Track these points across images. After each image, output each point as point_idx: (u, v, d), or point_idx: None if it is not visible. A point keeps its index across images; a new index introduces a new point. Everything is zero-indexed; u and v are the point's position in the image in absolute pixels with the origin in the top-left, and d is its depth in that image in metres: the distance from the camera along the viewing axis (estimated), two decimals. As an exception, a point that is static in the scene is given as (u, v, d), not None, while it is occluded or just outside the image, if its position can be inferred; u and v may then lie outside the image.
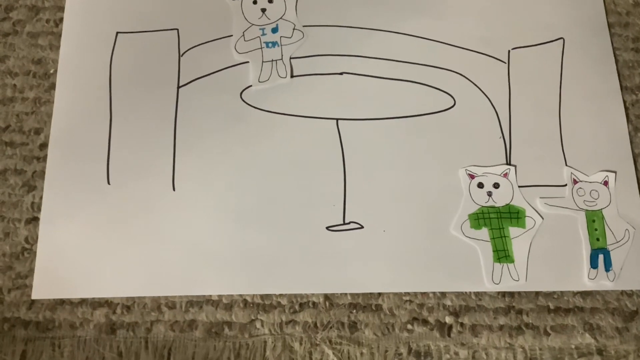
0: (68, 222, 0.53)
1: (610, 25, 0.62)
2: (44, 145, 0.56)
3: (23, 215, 0.54)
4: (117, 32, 0.60)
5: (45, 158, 0.55)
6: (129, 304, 0.52)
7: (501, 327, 0.52)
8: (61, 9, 0.61)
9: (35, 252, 0.53)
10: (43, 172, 0.55)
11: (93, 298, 0.52)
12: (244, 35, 0.60)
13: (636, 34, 0.61)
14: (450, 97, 0.58)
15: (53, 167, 0.55)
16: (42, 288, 0.52)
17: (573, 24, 0.61)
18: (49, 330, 0.51)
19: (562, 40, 0.60)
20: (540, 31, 0.61)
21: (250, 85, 0.58)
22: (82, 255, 0.53)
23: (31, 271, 0.52)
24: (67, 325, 0.51)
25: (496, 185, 0.55)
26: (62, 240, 0.53)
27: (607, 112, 0.58)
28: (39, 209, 0.54)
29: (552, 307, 0.52)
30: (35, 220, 0.54)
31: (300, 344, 0.51)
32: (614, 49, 0.61)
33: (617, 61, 0.60)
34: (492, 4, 0.62)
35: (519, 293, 0.53)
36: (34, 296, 0.52)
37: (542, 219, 0.54)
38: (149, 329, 0.51)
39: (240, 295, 0.52)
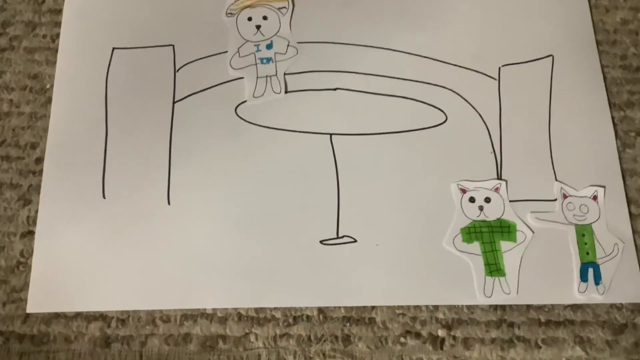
0: (63, 236, 0.54)
1: (598, 43, 0.63)
2: (39, 160, 0.56)
3: (18, 229, 0.54)
4: (113, 48, 0.60)
5: (41, 172, 0.56)
6: (123, 318, 0.52)
7: (493, 340, 0.52)
8: (58, 24, 0.61)
9: (30, 266, 0.53)
10: (39, 186, 0.55)
11: (88, 311, 0.52)
12: (238, 51, 0.61)
13: (624, 52, 0.63)
14: (442, 112, 0.59)
15: (49, 181, 0.56)
16: (37, 301, 0.52)
17: (562, 41, 0.62)
18: (43, 344, 0.51)
19: (551, 57, 0.61)
20: (530, 48, 0.62)
21: (245, 101, 0.59)
22: (77, 269, 0.53)
23: (26, 285, 0.52)
24: (62, 338, 0.51)
25: (487, 200, 0.56)
26: (57, 253, 0.53)
27: (596, 128, 0.59)
28: (35, 223, 0.54)
29: (543, 320, 0.53)
30: (30, 234, 0.54)
31: (294, 357, 0.52)
32: (602, 66, 0.62)
33: (605, 78, 0.61)
34: (482, 22, 0.63)
35: (511, 306, 0.53)
36: (29, 310, 0.52)
37: (533, 233, 0.55)
38: (144, 342, 0.52)
39: (235, 309, 0.53)
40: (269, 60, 0.61)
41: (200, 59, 0.60)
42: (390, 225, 0.55)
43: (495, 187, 0.57)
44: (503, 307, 0.53)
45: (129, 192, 0.55)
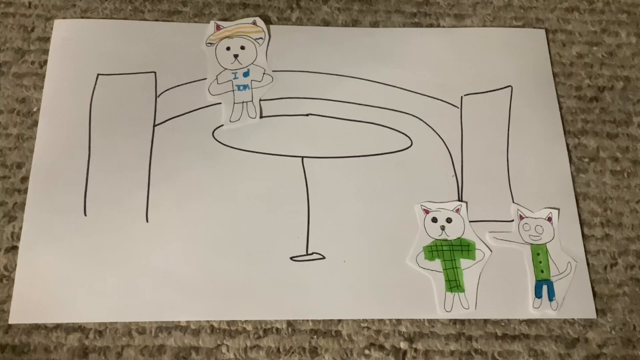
0: (46, 251, 0.56)
1: (555, 75, 0.67)
2: (25, 179, 0.59)
3: (3, 244, 0.56)
4: (98, 74, 0.63)
5: (26, 190, 0.58)
6: (101, 329, 0.54)
7: (452, 353, 0.55)
8: (45, 51, 0.64)
9: (13, 279, 0.55)
10: (23, 204, 0.58)
11: (67, 323, 0.54)
12: (217, 78, 0.64)
13: (579, 83, 0.66)
14: (407, 138, 0.63)
15: (33, 199, 0.58)
16: (19, 313, 0.54)
17: (521, 73, 0.66)
18: (24, 354, 0.53)
19: (510, 88, 0.65)
20: (490, 79, 0.66)
21: (222, 125, 0.62)
22: (58, 282, 0.55)
23: (9, 297, 0.55)
24: (42, 349, 0.53)
25: (449, 220, 0.59)
26: (39, 268, 0.55)
27: (552, 154, 0.63)
28: (19, 239, 0.56)
29: (499, 334, 0.56)
30: (14, 249, 0.56)
31: (264, 368, 0.54)
32: (558, 96, 0.66)
33: (561, 107, 0.65)
34: (447, 55, 0.67)
35: (469, 320, 0.56)
36: (11, 321, 0.54)
37: (491, 251, 0.58)
38: (120, 353, 0.54)
39: (208, 321, 0.55)
40: (245, 87, 0.64)
41: (181, 85, 0.63)
42: (357, 243, 0.58)
43: (456, 208, 0.60)
44: (462, 321, 0.56)
45: (110, 210, 0.58)
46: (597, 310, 0.57)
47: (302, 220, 0.59)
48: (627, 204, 0.61)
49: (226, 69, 0.64)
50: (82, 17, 0.66)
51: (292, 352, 0.55)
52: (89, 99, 0.62)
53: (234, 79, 0.64)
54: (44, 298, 0.55)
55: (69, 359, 0.53)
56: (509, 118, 0.64)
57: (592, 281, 0.58)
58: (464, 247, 0.58)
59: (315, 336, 0.55)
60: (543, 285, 0.57)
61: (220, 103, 0.63)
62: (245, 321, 0.55)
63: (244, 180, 0.60)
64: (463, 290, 0.57)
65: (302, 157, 0.61)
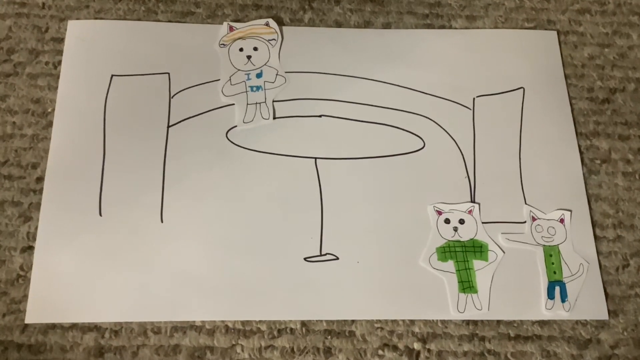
0: (61, 251, 0.56)
1: (567, 77, 0.67)
2: (40, 179, 0.59)
3: (19, 244, 0.57)
4: (112, 75, 0.63)
5: (41, 191, 0.59)
6: (117, 329, 0.55)
7: (465, 353, 0.55)
8: (60, 52, 0.64)
9: (29, 279, 0.55)
10: (39, 204, 0.58)
11: (83, 323, 0.55)
12: (230, 79, 0.64)
13: (590, 85, 0.67)
14: (420, 139, 0.63)
15: (48, 199, 0.58)
16: (35, 313, 0.54)
17: (533, 75, 0.66)
18: (40, 353, 0.54)
19: (522, 89, 0.66)
20: (502, 81, 0.66)
21: (236, 126, 0.62)
22: (74, 282, 0.55)
23: (25, 297, 0.55)
24: (58, 348, 0.54)
25: (461, 221, 0.59)
26: (55, 267, 0.56)
27: (564, 155, 0.63)
28: (34, 239, 0.57)
29: (512, 334, 0.56)
30: (30, 249, 0.57)
31: (278, 368, 0.55)
32: (570, 98, 0.66)
33: (573, 109, 0.65)
34: (459, 56, 0.67)
35: (482, 321, 0.57)
36: (27, 320, 0.54)
37: (504, 252, 0.58)
38: (135, 352, 0.54)
39: (222, 321, 0.55)
40: (258, 88, 0.64)
41: (194, 86, 0.64)
42: (371, 244, 0.58)
43: (469, 209, 0.60)
44: (475, 322, 0.56)
45: (124, 211, 0.58)
46: (609, 311, 0.57)
47: (316, 221, 0.59)
48: (639, 206, 0.61)
49: (239, 70, 0.65)
50: (95, 18, 0.66)
51: (306, 352, 0.55)
52: (104, 100, 0.62)
53: (247, 80, 0.64)
54: (60, 298, 0.55)
55: (85, 358, 0.54)
56: (521, 119, 0.64)
57: (604, 282, 0.58)
58: (476, 249, 0.58)
59: (329, 336, 0.55)
60: (555, 287, 0.57)
61: (233, 104, 0.63)
62: (260, 321, 0.55)
63: (258, 181, 0.60)
64: (476, 291, 0.57)
65: (315, 158, 0.61)
